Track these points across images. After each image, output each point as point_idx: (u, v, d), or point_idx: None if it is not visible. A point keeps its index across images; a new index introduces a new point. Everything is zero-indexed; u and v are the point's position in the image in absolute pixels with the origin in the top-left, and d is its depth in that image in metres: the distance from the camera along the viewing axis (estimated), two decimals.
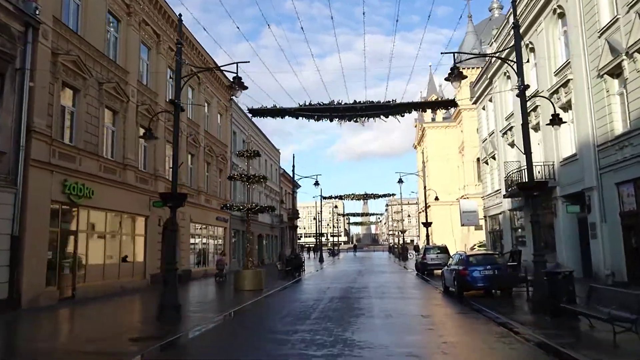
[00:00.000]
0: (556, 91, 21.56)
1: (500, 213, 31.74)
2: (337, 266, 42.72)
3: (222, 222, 33.23)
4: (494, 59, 30.89)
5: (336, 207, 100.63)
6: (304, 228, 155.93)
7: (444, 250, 27.06)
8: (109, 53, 19.51)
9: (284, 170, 56.64)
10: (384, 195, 33.85)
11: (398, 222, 75.10)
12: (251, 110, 16.76)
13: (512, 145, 28.90)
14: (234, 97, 15.31)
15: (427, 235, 31.67)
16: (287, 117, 16.11)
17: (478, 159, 57.70)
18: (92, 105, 17.85)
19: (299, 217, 64.70)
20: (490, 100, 33.79)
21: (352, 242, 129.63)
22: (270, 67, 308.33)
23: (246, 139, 38.38)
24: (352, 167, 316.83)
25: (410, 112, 16.61)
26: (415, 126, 78.52)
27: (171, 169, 13.63)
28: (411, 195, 79.70)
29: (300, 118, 15.84)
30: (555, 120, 13.53)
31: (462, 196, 57.61)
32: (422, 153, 72.74)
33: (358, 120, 16.01)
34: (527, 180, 13.26)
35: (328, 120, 15.93)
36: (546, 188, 15.29)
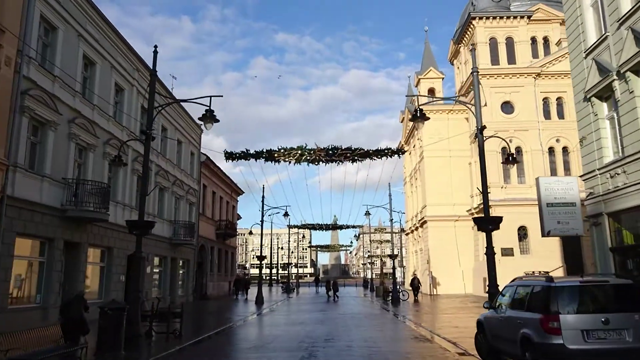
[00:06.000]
0: None
1: None
2: (272, 320, 22.35)
3: None
4: None
5: (303, 237, 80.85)
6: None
7: (633, 295, 7.12)
8: None
9: (207, 157, 36.29)
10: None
11: (380, 245, 55.68)
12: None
13: None
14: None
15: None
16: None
17: (504, 149, 38.86)
18: None
19: (235, 234, 44.00)
20: None
21: (319, 274, 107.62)
22: (256, 98, 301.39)
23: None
24: (334, 198, 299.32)
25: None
26: (402, 120, 59.57)
27: None
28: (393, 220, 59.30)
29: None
30: None
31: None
32: (410, 154, 53.49)
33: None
34: None
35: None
36: None
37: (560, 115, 38.17)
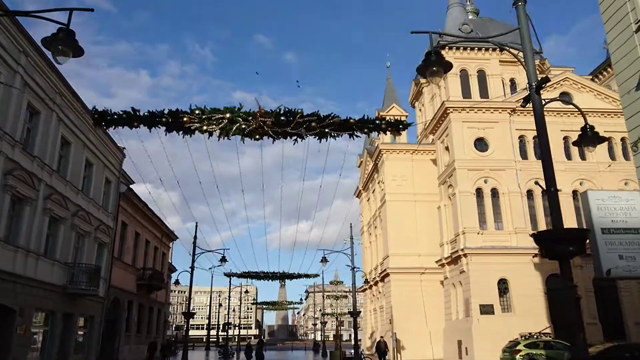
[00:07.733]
0: None
1: None
2: None
3: None
4: None
5: (247, 292, 73.09)
6: (201, 317, 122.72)
7: None
8: None
9: (129, 189, 29.63)
10: None
11: (336, 301, 49.05)
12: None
13: None
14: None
15: None
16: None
17: (479, 190, 34.40)
18: None
19: (163, 287, 36.53)
20: None
21: (264, 336, 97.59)
22: (210, 153, 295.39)
23: None
24: (283, 258, 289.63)
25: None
26: (359, 165, 55.00)
27: None
28: (346, 277, 53.12)
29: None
30: None
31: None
32: (370, 198, 48.39)
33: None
34: None
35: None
36: None
37: (538, 155, 34.46)
